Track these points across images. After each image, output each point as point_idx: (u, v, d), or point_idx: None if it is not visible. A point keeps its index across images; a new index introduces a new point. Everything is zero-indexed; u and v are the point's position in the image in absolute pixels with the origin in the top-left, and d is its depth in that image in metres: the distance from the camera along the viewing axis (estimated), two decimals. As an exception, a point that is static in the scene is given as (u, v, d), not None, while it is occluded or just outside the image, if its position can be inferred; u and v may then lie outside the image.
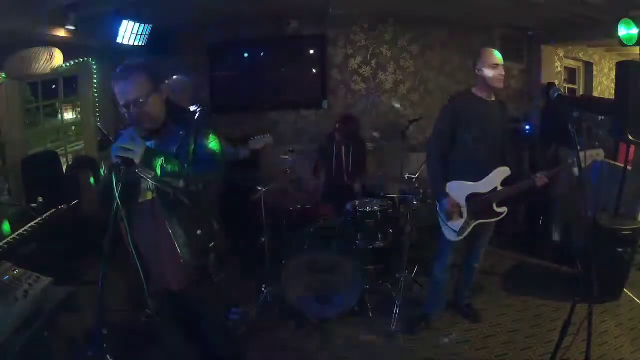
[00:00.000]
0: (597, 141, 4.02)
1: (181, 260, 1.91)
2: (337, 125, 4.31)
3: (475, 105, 2.74)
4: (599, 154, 2.55)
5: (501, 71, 2.68)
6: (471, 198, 2.77)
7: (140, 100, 1.77)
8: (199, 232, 1.93)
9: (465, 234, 2.82)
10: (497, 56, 2.69)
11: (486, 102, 2.76)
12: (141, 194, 1.91)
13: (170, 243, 1.89)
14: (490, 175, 2.75)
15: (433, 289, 3.14)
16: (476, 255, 3.04)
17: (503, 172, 2.75)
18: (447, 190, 2.77)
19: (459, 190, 2.78)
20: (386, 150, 5.14)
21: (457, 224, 2.80)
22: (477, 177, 2.76)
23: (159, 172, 1.72)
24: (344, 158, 4.28)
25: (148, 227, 1.90)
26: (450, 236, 2.84)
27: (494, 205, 2.77)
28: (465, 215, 2.79)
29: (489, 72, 2.67)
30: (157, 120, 1.86)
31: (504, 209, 2.80)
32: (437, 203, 2.84)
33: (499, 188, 2.75)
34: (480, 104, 2.75)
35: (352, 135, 4.31)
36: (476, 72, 2.75)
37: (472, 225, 2.81)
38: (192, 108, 2.03)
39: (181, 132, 1.88)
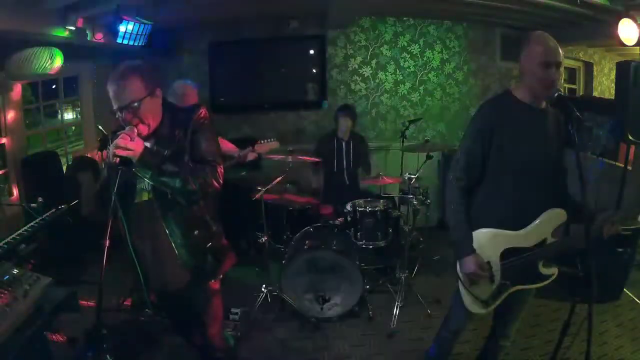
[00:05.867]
0: (597, 141, 4.01)
1: (178, 261, 1.91)
2: (337, 115, 4.25)
3: (520, 115, 1.88)
4: None
5: (553, 73, 1.81)
6: (509, 254, 1.93)
7: (134, 105, 1.74)
8: (196, 232, 1.93)
9: (496, 304, 1.98)
10: (553, 50, 1.83)
11: (534, 111, 1.90)
12: (137, 195, 1.90)
13: (167, 243, 1.89)
14: (538, 221, 1.90)
15: (436, 342, 2.44)
16: (507, 328, 2.21)
17: (556, 216, 1.91)
18: (474, 242, 1.92)
19: (491, 242, 1.93)
20: (386, 150, 5.14)
21: (485, 291, 1.96)
22: (518, 223, 1.91)
23: (156, 172, 1.72)
24: (344, 154, 4.26)
25: (145, 227, 1.90)
26: (473, 307, 2.00)
27: (540, 265, 1.94)
28: (497, 279, 1.94)
29: (536, 72, 1.82)
30: (149, 125, 1.82)
31: (554, 271, 1.96)
32: (457, 261, 1.97)
33: (549, 240, 1.92)
34: (527, 114, 1.89)
35: (352, 126, 4.27)
36: (520, 66, 1.90)
37: (507, 293, 1.97)
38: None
39: (178, 132, 1.86)
